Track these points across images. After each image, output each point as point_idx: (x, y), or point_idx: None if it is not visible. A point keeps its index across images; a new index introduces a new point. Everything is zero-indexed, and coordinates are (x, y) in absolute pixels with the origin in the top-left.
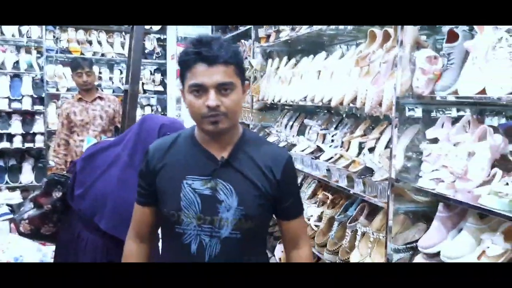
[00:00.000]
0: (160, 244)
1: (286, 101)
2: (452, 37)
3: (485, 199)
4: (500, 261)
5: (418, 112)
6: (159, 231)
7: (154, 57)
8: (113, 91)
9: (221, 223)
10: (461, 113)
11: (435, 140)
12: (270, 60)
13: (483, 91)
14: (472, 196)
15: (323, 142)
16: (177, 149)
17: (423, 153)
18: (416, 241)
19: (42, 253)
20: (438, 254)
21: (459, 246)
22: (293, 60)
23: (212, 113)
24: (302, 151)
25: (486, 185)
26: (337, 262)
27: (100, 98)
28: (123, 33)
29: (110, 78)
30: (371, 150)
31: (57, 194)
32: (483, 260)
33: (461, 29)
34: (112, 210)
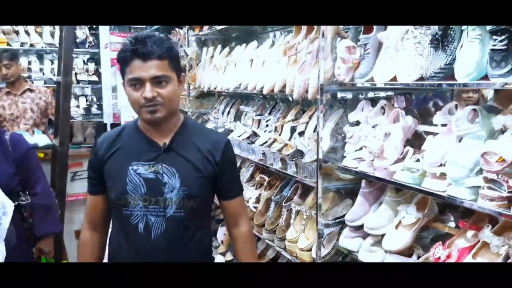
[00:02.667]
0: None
1: (221, 89)
2: (368, 28)
3: (399, 174)
4: (414, 228)
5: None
6: None
7: (86, 46)
8: (45, 82)
9: (165, 203)
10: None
11: (357, 123)
12: (205, 49)
13: (394, 78)
14: (388, 173)
15: (258, 127)
16: (122, 138)
17: (347, 135)
18: (344, 215)
19: None
20: (362, 226)
21: (379, 218)
22: (227, 49)
23: (149, 103)
24: (239, 136)
25: (400, 162)
26: (274, 239)
27: (30, 90)
28: None
29: (41, 69)
30: (301, 133)
31: None
32: (400, 229)
33: None
34: None
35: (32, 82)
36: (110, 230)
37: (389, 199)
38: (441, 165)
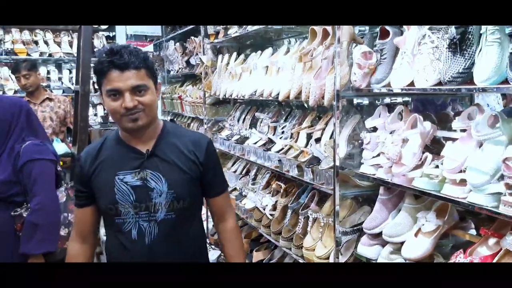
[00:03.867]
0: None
1: (237, 96)
2: (384, 34)
3: (418, 181)
4: (434, 236)
5: (363, 100)
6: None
7: None
8: (63, 91)
9: (155, 207)
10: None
11: (374, 129)
12: (220, 56)
13: (412, 83)
14: (406, 179)
15: (274, 134)
16: (106, 150)
17: (364, 141)
18: (362, 223)
19: None
20: (381, 233)
21: (398, 225)
22: (242, 56)
23: (130, 112)
24: (255, 143)
25: (418, 169)
26: (291, 247)
27: (49, 99)
28: (70, 32)
29: (59, 79)
30: (318, 140)
31: None
32: (420, 237)
33: (391, 27)
34: None
35: (51, 91)
36: (105, 238)
37: (408, 206)
38: (461, 171)
